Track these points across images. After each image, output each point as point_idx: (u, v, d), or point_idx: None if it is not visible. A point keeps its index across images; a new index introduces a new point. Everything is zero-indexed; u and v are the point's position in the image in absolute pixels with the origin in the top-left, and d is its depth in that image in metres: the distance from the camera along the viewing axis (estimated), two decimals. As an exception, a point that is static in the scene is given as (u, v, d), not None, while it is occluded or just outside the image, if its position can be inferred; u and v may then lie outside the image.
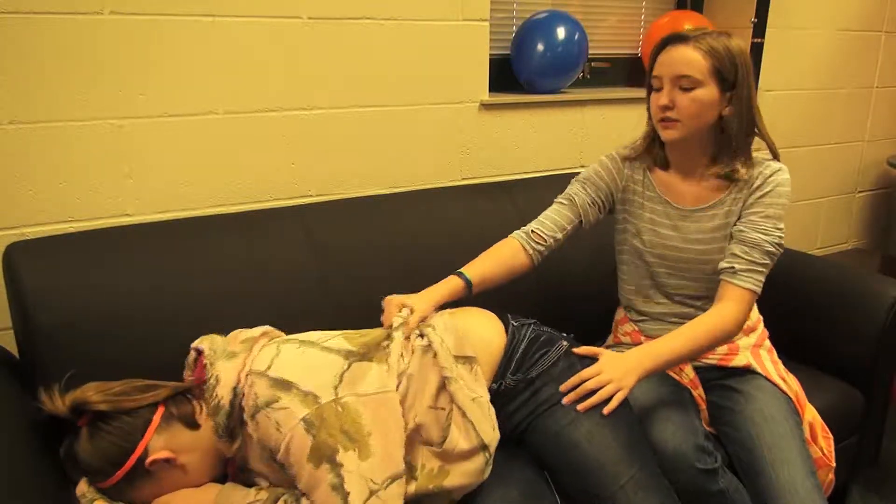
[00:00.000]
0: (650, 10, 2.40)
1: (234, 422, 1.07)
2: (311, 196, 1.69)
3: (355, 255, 1.51)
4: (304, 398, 1.02)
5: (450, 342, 1.18)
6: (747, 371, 1.39)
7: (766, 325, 1.51)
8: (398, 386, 1.11)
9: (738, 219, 1.33)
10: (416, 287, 1.35)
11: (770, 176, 1.31)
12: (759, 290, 1.29)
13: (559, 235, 1.42)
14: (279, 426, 1.01)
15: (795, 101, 2.54)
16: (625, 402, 1.20)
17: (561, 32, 1.95)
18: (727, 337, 1.29)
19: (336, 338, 1.16)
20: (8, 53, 1.31)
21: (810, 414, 1.41)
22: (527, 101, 1.95)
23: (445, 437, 1.11)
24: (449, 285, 1.32)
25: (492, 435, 1.14)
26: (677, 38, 1.27)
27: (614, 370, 1.19)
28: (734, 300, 1.27)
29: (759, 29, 2.16)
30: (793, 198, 2.64)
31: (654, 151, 1.40)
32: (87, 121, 1.41)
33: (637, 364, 1.21)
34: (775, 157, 1.36)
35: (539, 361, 1.22)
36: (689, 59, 1.24)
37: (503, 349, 1.23)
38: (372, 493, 0.98)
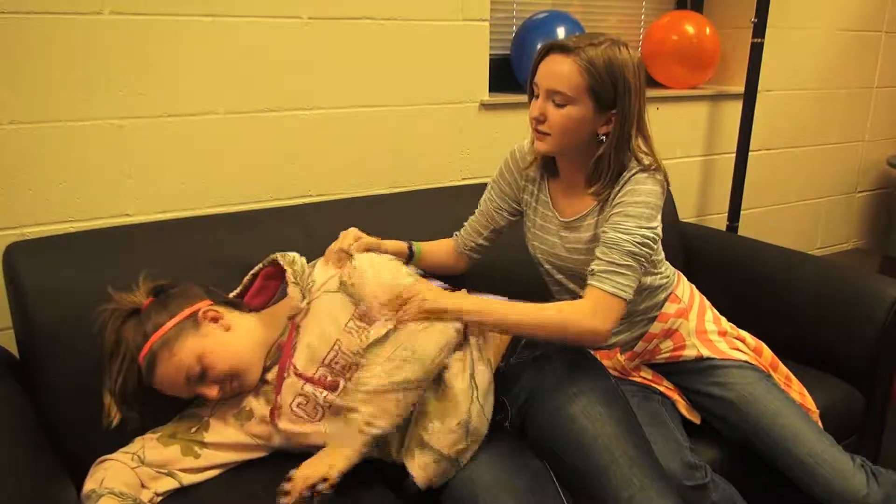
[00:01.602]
0: (650, 10, 2.40)
1: (305, 281, 1.26)
2: (311, 196, 1.69)
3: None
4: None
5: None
6: (702, 360, 1.37)
7: (767, 326, 1.51)
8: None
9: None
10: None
11: (627, 178, 1.22)
12: (621, 293, 1.16)
13: (479, 240, 1.48)
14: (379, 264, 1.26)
15: (795, 101, 2.54)
16: (621, 394, 1.22)
17: (561, 32, 1.94)
18: (578, 342, 1.20)
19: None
20: (8, 53, 1.31)
21: (783, 371, 1.43)
22: (527, 102, 1.95)
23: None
24: (397, 244, 1.43)
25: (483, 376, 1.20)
26: (558, 48, 1.19)
27: (430, 293, 1.19)
28: (593, 302, 1.16)
29: (759, 29, 2.16)
30: (793, 198, 2.68)
31: (546, 158, 1.34)
32: (87, 121, 1.41)
33: (458, 296, 1.21)
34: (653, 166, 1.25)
35: (543, 343, 1.25)
36: (565, 74, 1.17)
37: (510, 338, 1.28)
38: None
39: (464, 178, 1.90)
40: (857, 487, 1.23)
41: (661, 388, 1.39)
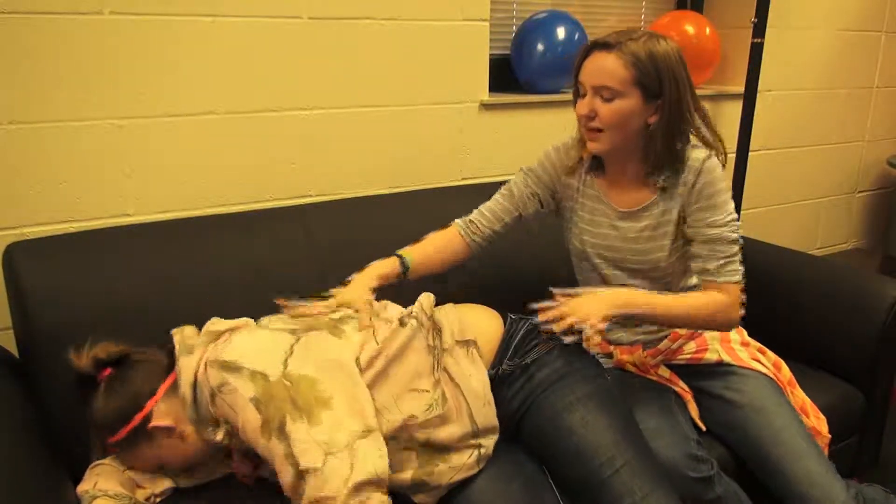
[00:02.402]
0: (650, 10, 2.40)
1: (205, 412, 1.09)
2: (311, 196, 1.69)
3: (355, 255, 1.51)
4: (253, 378, 1.04)
5: (454, 327, 1.23)
6: (721, 364, 1.38)
7: (766, 326, 1.51)
8: (367, 363, 1.11)
9: (683, 219, 1.29)
10: (415, 286, 1.35)
11: (699, 168, 1.25)
12: (741, 276, 1.26)
13: (497, 227, 1.43)
14: (232, 407, 1.04)
15: (795, 101, 2.54)
16: (618, 395, 1.21)
17: (561, 32, 1.95)
18: (723, 322, 1.27)
19: (286, 318, 1.18)
20: (8, 53, 1.31)
21: (799, 394, 1.42)
22: (527, 101, 1.95)
23: (430, 416, 1.12)
24: (385, 266, 1.31)
25: (485, 418, 1.17)
26: (601, 45, 1.22)
27: (582, 306, 1.16)
28: (728, 294, 1.25)
29: (759, 29, 2.16)
30: (793, 198, 2.68)
31: (593, 157, 1.36)
32: (87, 121, 1.41)
33: (609, 302, 1.18)
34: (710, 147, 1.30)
35: (535, 348, 1.24)
36: (610, 68, 1.20)
37: (500, 337, 1.27)
38: (329, 455, 0.98)
39: (464, 178, 1.90)
40: None
41: (677, 388, 1.39)
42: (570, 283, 1.68)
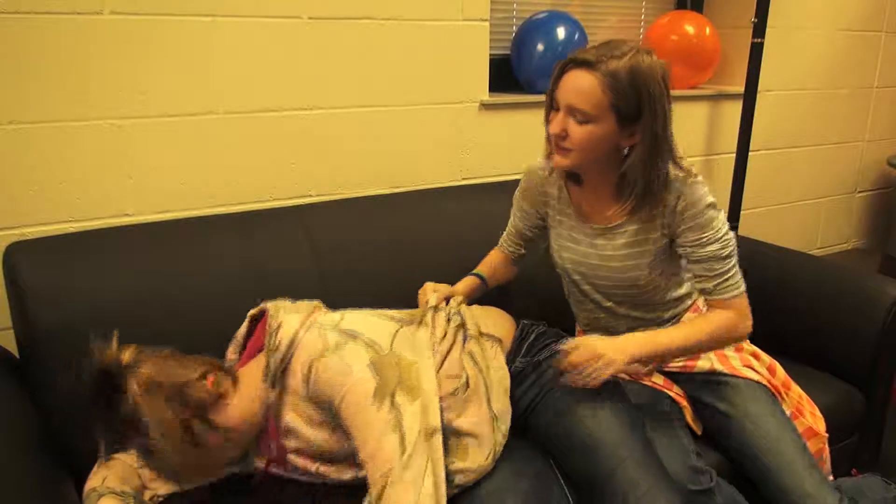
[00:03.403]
0: (650, 10, 2.40)
1: (280, 370, 1.11)
2: (311, 196, 1.69)
3: (355, 255, 1.51)
4: (369, 347, 1.11)
5: (479, 321, 1.32)
6: (713, 373, 1.37)
7: (766, 326, 1.50)
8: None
9: (671, 240, 1.27)
10: (415, 286, 1.35)
11: (680, 189, 1.21)
12: (742, 288, 1.25)
13: (521, 251, 1.53)
14: (344, 370, 1.07)
15: (795, 101, 2.54)
16: (625, 395, 1.23)
17: (561, 32, 1.95)
18: (736, 336, 1.27)
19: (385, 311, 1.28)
20: (8, 53, 1.31)
21: (795, 391, 1.42)
22: (527, 101, 1.95)
23: (456, 397, 1.18)
24: (468, 281, 1.46)
25: (502, 404, 1.21)
26: (580, 63, 1.14)
27: (605, 349, 1.17)
28: (733, 309, 1.24)
29: (759, 29, 2.16)
30: (793, 198, 2.68)
31: (565, 173, 1.33)
32: (87, 121, 1.41)
33: (631, 344, 1.19)
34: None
35: (547, 347, 1.28)
36: (586, 90, 1.12)
37: (513, 337, 1.33)
38: (423, 433, 1.05)
39: (464, 178, 1.90)
40: None
41: (671, 394, 1.39)
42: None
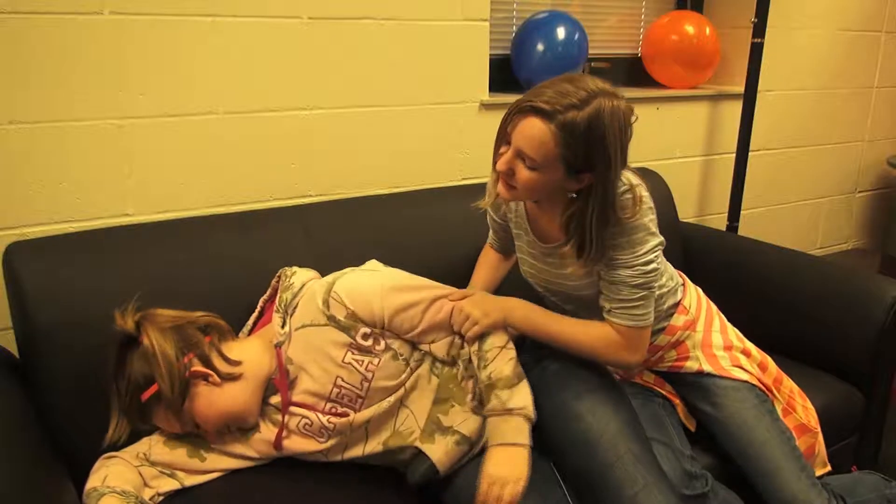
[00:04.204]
0: (650, 10, 2.40)
1: (291, 307, 1.23)
2: (311, 196, 1.69)
3: (355, 255, 1.51)
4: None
5: None
6: (702, 375, 1.37)
7: (766, 326, 1.50)
8: None
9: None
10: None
11: (623, 223, 1.16)
12: (640, 322, 1.18)
13: (508, 245, 1.47)
14: (369, 272, 1.27)
15: (795, 101, 2.54)
16: (624, 391, 1.23)
17: (561, 32, 1.95)
18: (617, 362, 1.23)
19: None
20: (8, 53, 1.31)
21: (787, 386, 1.42)
22: (527, 101, 1.95)
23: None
24: None
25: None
26: (538, 111, 1.08)
27: (478, 306, 1.21)
28: (620, 335, 1.20)
29: (759, 29, 2.16)
30: (793, 198, 2.68)
31: None
32: (87, 121, 1.41)
33: (506, 309, 1.22)
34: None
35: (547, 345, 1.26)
36: (538, 140, 1.08)
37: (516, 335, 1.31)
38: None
39: (464, 178, 1.90)
40: None
41: (663, 392, 1.39)
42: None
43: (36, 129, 1.37)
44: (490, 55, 1.86)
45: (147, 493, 1.13)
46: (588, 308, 1.29)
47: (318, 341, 1.19)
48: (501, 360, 1.18)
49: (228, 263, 1.38)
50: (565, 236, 1.19)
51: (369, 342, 1.19)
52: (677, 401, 1.39)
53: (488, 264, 1.53)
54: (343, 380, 1.19)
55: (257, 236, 1.44)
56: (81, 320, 1.22)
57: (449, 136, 1.85)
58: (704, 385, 1.37)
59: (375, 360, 1.19)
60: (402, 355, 1.22)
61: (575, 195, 1.16)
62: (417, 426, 1.20)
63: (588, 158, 1.09)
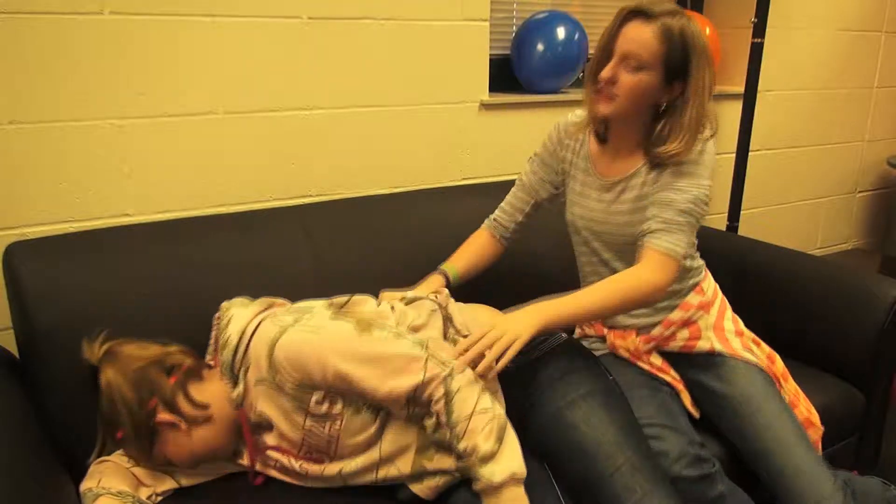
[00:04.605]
0: (650, 10, 2.40)
1: (238, 364, 1.12)
2: (311, 196, 1.69)
3: (355, 255, 1.51)
4: (329, 307, 1.15)
5: (469, 325, 1.26)
6: (713, 354, 1.39)
7: (767, 326, 1.51)
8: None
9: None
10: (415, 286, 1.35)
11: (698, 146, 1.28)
12: (677, 250, 1.24)
13: (519, 218, 1.52)
14: (313, 330, 1.08)
15: (795, 101, 2.54)
16: (618, 390, 1.21)
17: (561, 32, 1.95)
18: (645, 301, 1.23)
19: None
20: (8, 53, 1.31)
21: (792, 385, 1.43)
22: (527, 101, 1.95)
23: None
24: (432, 284, 1.42)
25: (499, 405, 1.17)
26: (641, 14, 1.23)
27: (507, 323, 1.14)
28: (650, 261, 1.24)
29: (759, 29, 2.16)
30: (793, 198, 2.68)
31: (598, 124, 1.38)
32: (87, 121, 1.41)
33: (536, 314, 1.16)
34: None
35: (538, 347, 1.24)
36: (646, 39, 1.21)
37: None
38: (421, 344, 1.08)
39: (464, 178, 1.90)
40: None
41: (668, 378, 1.39)
42: (562, 279, 1.69)
43: (36, 129, 1.37)
44: (490, 55, 1.86)
45: (144, 493, 1.13)
46: (625, 256, 1.36)
47: (278, 400, 1.11)
48: (475, 429, 1.04)
49: (228, 263, 1.38)
50: (643, 146, 1.31)
51: (324, 407, 1.09)
52: (681, 387, 1.39)
53: (477, 246, 1.51)
54: (311, 434, 1.12)
55: (257, 236, 1.44)
56: (81, 320, 1.22)
57: (449, 136, 1.85)
58: (715, 363, 1.38)
59: (337, 423, 1.10)
60: (366, 406, 1.11)
61: (663, 109, 1.27)
62: (402, 473, 1.13)
63: (684, 63, 1.22)
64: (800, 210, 2.72)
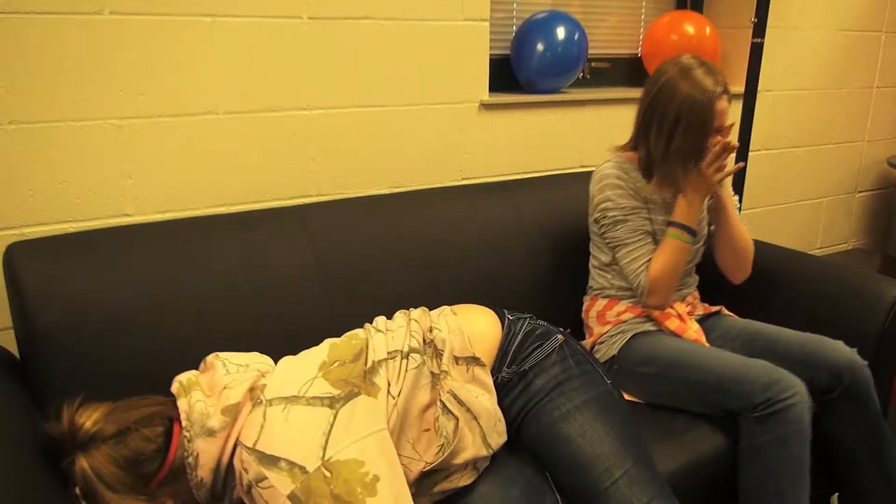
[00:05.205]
0: (650, 10, 2.40)
1: (219, 491, 1.04)
2: (311, 196, 1.69)
3: (355, 255, 1.51)
4: (291, 471, 0.97)
5: (455, 343, 1.19)
6: (717, 313, 1.66)
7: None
8: (392, 426, 1.08)
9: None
10: (415, 286, 1.34)
11: None
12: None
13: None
14: (269, 502, 0.97)
15: (795, 101, 2.54)
16: (619, 400, 1.20)
17: (561, 32, 1.95)
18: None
19: (319, 378, 1.07)
20: (8, 53, 1.31)
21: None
22: (527, 101, 1.95)
23: (444, 456, 1.10)
24: None
25: (499, 435, 1.17)
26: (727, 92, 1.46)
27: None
28: None
29: (759, 29, 2.15)
30: (793, 198, 2.68)
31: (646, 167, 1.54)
32: (87, 121, 1.41)
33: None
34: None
35: (533, 354, 1.22)
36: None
37: (499, 344, 1.24)
38: None
39: (464, 178, 1.90)
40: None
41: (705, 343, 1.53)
42: (559, 277, 1.69)
43: (36, 129, 1.37)
44: (490, 55, 1.86)
45: None
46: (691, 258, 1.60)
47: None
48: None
49: (228, 263, 1.38)
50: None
51: None
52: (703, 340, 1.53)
53: None
54: None
55: (257, 236, 1.44)
56: (81, 320, 1.22)
57: (449, 136, 1.85)
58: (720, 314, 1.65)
59: None
60: None
61: None
62: None
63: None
64: (800, 210, 2.72)
